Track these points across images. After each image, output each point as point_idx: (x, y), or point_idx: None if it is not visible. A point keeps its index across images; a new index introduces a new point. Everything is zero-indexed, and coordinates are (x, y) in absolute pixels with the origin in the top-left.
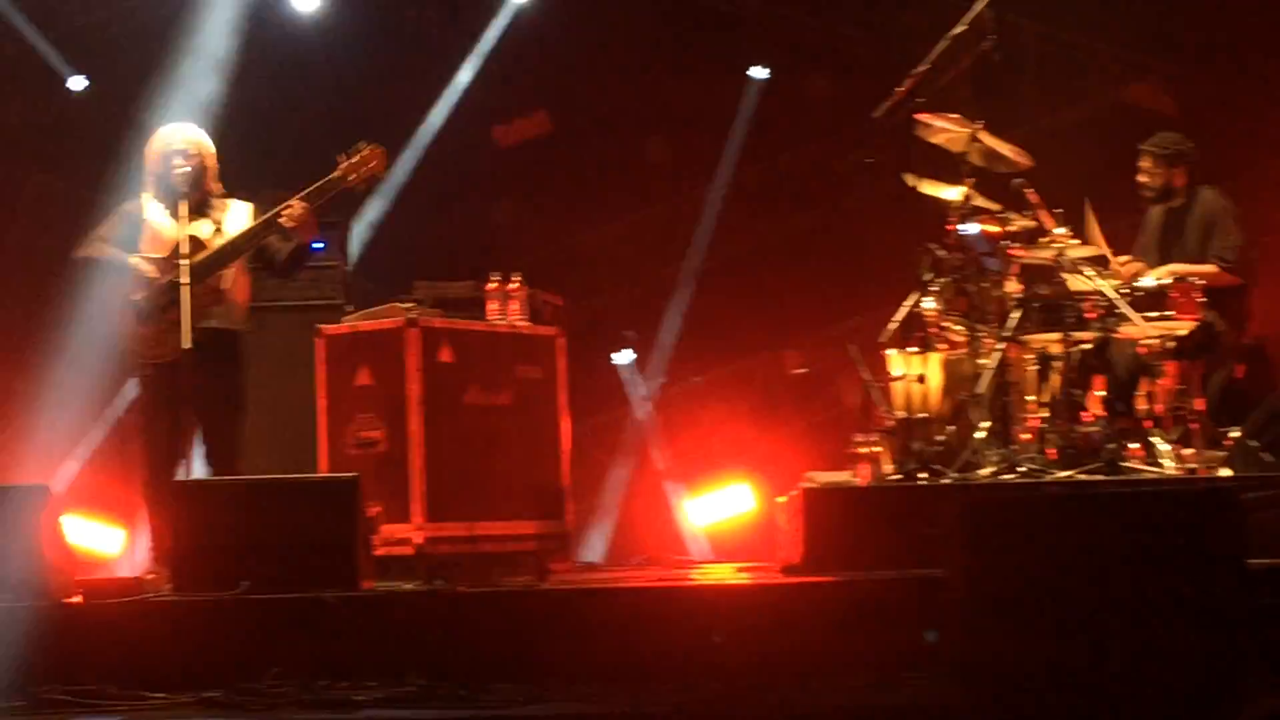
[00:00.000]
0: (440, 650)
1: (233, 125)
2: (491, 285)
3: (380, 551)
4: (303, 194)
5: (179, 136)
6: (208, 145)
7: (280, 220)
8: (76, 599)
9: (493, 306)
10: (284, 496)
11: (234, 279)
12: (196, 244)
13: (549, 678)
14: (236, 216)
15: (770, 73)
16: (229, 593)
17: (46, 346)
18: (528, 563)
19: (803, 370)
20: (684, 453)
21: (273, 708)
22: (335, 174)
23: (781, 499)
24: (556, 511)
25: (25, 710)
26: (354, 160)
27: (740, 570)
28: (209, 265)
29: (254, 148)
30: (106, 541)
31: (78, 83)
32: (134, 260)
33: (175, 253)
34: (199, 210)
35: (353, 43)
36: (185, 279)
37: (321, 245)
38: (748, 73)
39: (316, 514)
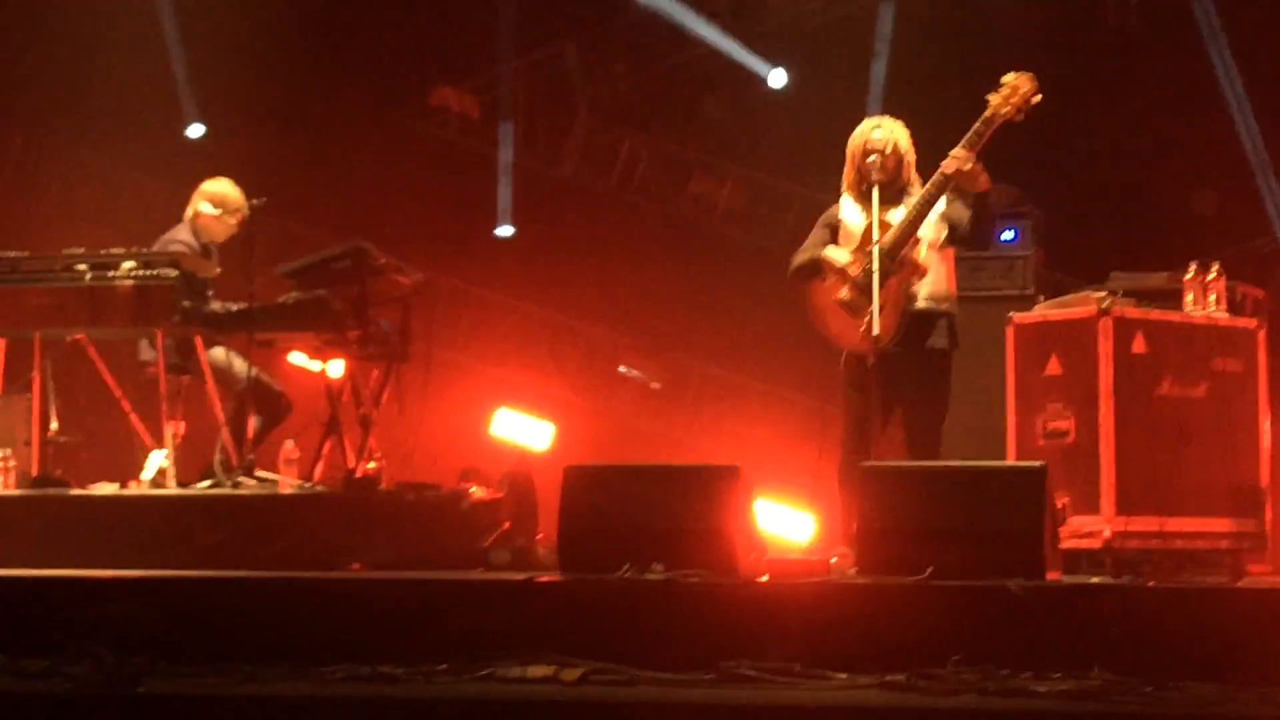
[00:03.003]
0: (1127, 646)
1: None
2: (1189, 276)
3: (1067, 544)
4: (962, 142)
5: (874, 130)
6: (903, 137)
7: (945, 173)
8: (764, 578)
9: (1189, 297)
10: (970, 483)
11: (929, 259)
12: (885, 229)
13: (1241, 680)
14: None
15: None
16: (913, 578)
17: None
18: (1221, 562)
19: None
20: None
21: (954, 693)
22: (988, 112)
23: None
24: (1253, 511)
25: (715, 682)
26: (1004, 93)
27: None
28: (896, 244)
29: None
30: (797, 526)
31: (778, 78)
32: (825, 254)
33: (865, 239)
34: (893, 201)
35: None
36: (876, 265)
37: (1013, 236)
38: None
39: (1003, 502)
